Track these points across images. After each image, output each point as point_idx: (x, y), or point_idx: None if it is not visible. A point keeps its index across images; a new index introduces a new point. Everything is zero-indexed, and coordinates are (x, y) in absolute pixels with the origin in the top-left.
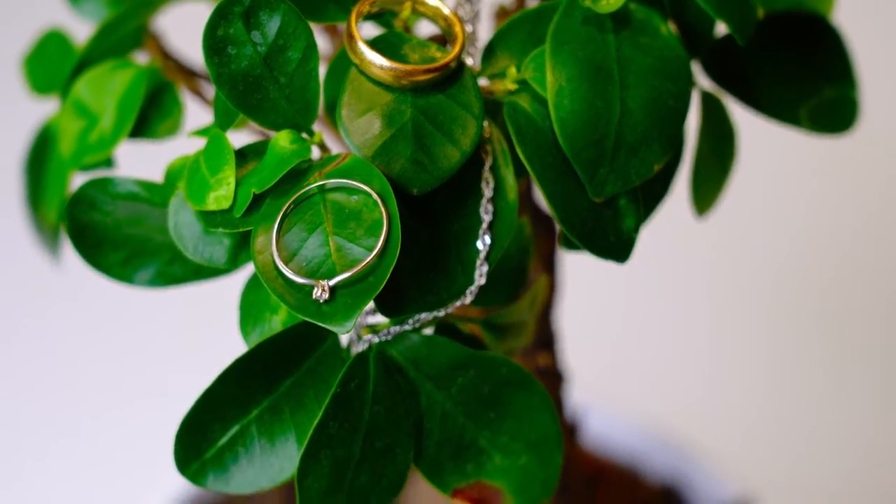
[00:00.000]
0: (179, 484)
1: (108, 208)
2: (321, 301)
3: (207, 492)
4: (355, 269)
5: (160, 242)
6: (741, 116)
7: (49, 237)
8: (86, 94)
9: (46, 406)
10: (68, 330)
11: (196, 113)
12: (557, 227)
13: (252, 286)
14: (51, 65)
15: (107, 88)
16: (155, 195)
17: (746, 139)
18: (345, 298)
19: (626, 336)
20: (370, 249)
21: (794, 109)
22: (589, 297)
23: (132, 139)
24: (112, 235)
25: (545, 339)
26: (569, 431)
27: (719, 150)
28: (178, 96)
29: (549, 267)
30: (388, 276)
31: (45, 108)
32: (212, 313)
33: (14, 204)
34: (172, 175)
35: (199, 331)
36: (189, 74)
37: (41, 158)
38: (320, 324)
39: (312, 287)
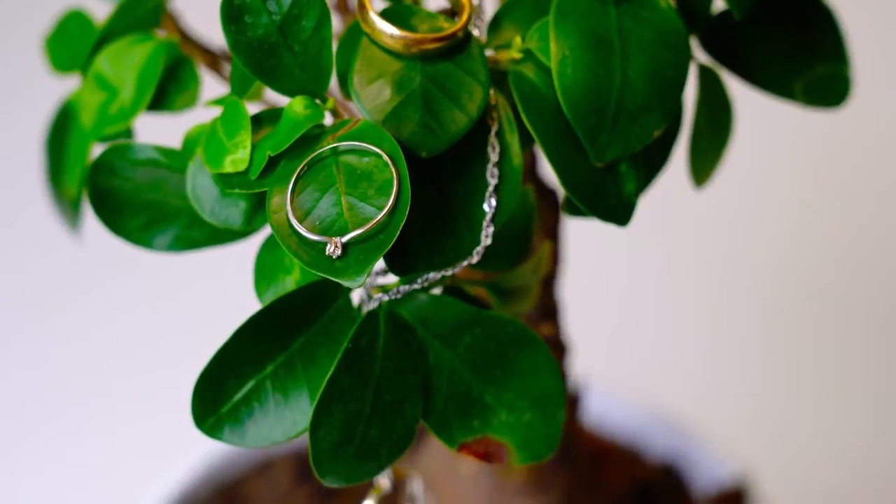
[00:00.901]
0: (175, 484)
1: (128, 174)
2: (334, 257)
3: (202, 490)
4: (367, 227)
5: (179, 207)
6: (743, 106)
7: (69, 210)
8: (106, 67)
9: (42, 406)
10: (67, 330)
11: (212, 88)
12: (560, 198)
13: (266, 248)
14: (72, 44)
15: (127, 62)
16: (174, 161)
17: (750, 124)
18: (357, 254)
19: (626, 317)
20: (381, 208)
21: (789, 84)
22: (589, 278)
23: (151, 111)
24: (132, 200)
25: (548, 309)
26: (571, 403)
27: (716, 122)
28: (195, 70)
29: (553, 239)
30: (398, 233)
31: (63, 89)
32: (211, 316)
33: (14, 204)
34: (190, 142)
35: (196, 333)
36: (205, 51)
37: (62, 133)
38: (333, 278)
39: (325, 244)
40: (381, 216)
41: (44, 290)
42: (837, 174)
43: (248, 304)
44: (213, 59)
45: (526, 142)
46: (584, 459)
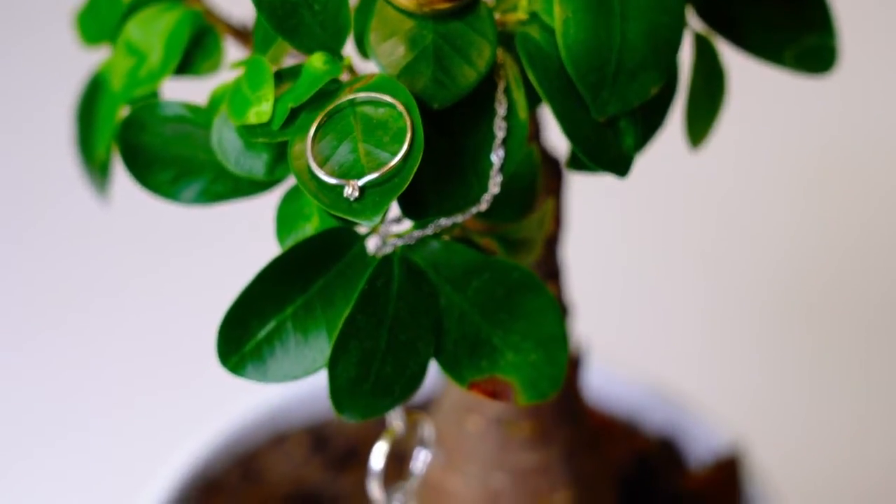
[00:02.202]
0: (193, 456)
1: (157, 130)
2: (352, 199)
3: (219, 462)
4: (382, 170)
5: (205, 161)
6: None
7: (98, 175)
8: (136, 34)
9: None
10: (79, 323)
11: (234, 57)
12: (563, 163)
13: (287, 199)
14: (101, 17)
15: (155, 28)
16: (200, 117)
17: (755, 109)
18: (373, 196)
19: (625, 296)
20: (396, 154)
21: (779, 52)
22: (589, 257)
23: (177, 76)
24: (161, 155)
25: (551, 270)
26: (573, 365)
27: (710, 88)
28: (219, 38)
29: (556, 205)
30: (412, 176)
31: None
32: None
33: (15, 204)
34: (216, 99)
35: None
36: (226, 25)
37: (92, 100)
38: (351, 218)
39: (343, 187)
40: (395, 161)
41: (54, 289)
42: (840, 157)
43: None
44: (233, 32)
45: (532, 100)
46: (586, 418)
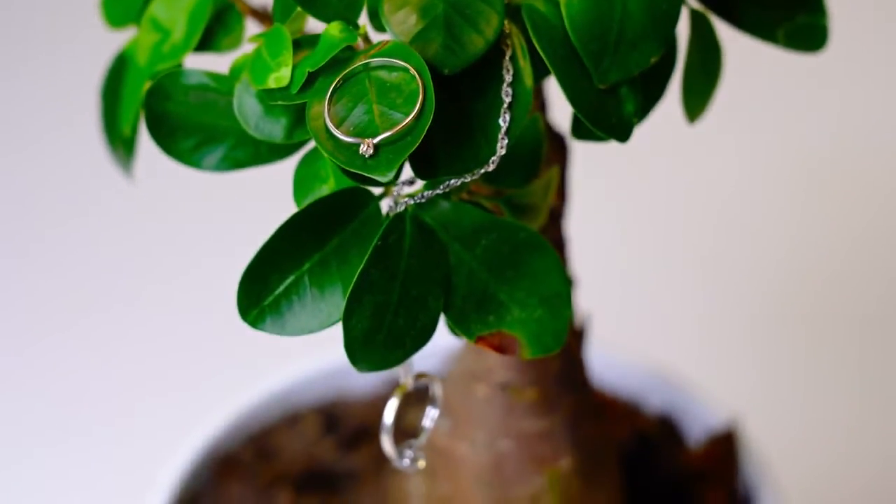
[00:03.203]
0: (209, 435)
1: (180, 98)
2: (366, 156)
3: (234, 440)
4: (395, 129)
5: (226, 128)
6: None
7: (123, 153)
8: (160, 11)
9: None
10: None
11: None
12: (567, 140)
13: (304, 163)
14: (125, 1)
15: (178, 6)
16: (222, 85)
17: (761, 95)
18: (387, 154)
19: (625, 280)
20: (408, 114)
21: (772, 30)
22: (589, 247)
23: (198, 52)
24: (184, 123)
25: (556, 242)
26: (576, 335)
27: (706, 63)
28: (240, 15)
29: (561, 180)
30: (424, 134)
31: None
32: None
33: (16, 203)
34: (237, 69)
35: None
36: (246, 5)
37: (118, 77)
38: (366, 174)
39: (359, 145)
40: (408, 120)
41: (64, 279)
42: (840, 156)
43: None
44: (253, 12)
45: (537, 71)
46: (588, 387)
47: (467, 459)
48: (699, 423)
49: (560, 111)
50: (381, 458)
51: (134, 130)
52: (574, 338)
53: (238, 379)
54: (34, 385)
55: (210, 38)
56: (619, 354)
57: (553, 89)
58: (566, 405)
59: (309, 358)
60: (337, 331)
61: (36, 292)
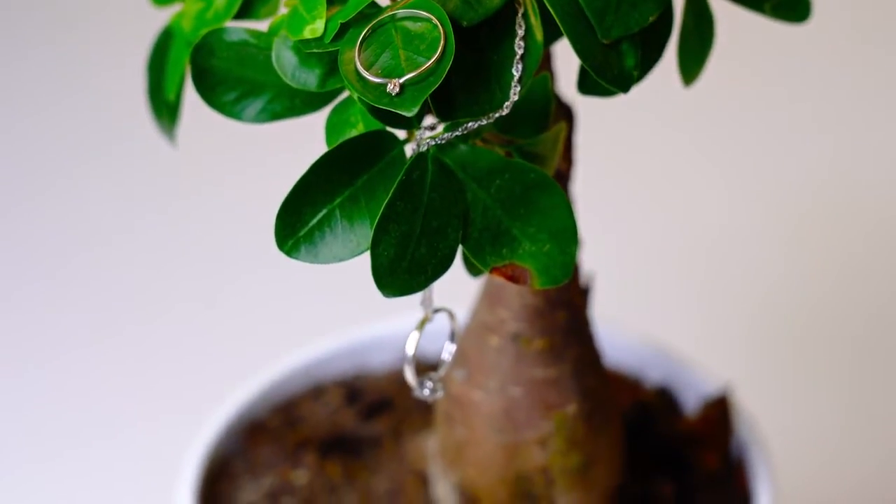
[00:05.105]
0: (238, 404)
1: (223, 54)
2: (393, 94)
3: (261, 409)
4: (419, 70)
5: (265, 82)
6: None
7: (167, 119)
8: None
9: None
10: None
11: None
12: (574, 112)
13: (336, 111)
14: None
15: None
16: (262, 41)
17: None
18: (411, 92)
19: (625, 258)
20: (430, 58)
21: (760, 2)
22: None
23: (238, 19)
24: (226, 77)
25: None
26: (582, 292)
27: (699, 29)
28: None
29: (568, 145)
30: (445, 75)
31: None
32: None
33: (16, 203)
34: (275, 27)
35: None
36: None
37: (164, 49)
38: (393, 109)
39: (386, 84)
40: (430, 63)
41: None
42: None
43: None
44: None
45: (548, 33)
46: (592, 341)
47: (481, 405)
48: (696, 395)
49: (566, 87)
50: (400, 427)
51: (178, 96)
52: (580, 294)
53: (265, 359)
54: (73, 362)
55: (249, 7)
56: (621, 333)
57: (561, 63)
58: (572, 355)
59: (331, 336)
60: (357, 312)
61: (63, 273)
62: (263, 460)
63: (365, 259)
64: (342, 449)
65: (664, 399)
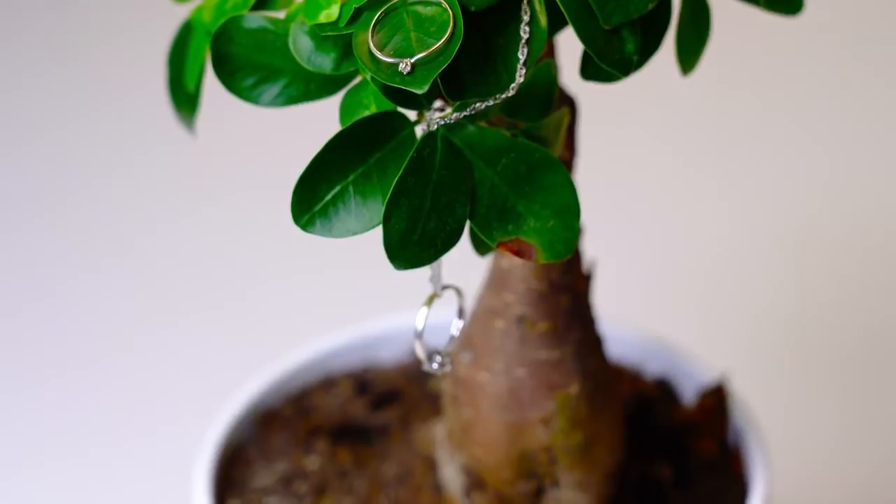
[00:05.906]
0: (252, 393)
1: (242, 40)
2: (405, 73)
3: (274, 398)
4: (429, 50)
5: (282, 67)
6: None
7: (187, 110)
8: None
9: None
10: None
11: None
12: (577, 102)
13: (350, 93)
14: None
15: None
16: (279, 27)
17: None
18: (422, 71)
19: (626, 254)
20: (440, 39)
21: None
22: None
23: (256, 10)
24: (245, 62)
25: None
26: (584, 278)
27: (696, 20)
28: None
29: (570, 134)
30: (454, 55)
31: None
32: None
33: (17, 204)
34: (291, 14)
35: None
36: None
37: (184, 42)
38: (405, 87)
39: (398, 64)
40: (440, 43)
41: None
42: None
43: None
44: None
45: (552, 23)
46: (594, 325)
47: (487, 387)
48: (695, 386)
49: (569, 78)
50: (408, 416)
51: (198, 86)
52: (582, 280)
53: (279, 351)
54: (94, 356)
55: None
56: (622, 327)
57: (564, 56)
58: (575, 338)
59: (342, 331)
60: (367, 308)
61: (75, 269)
62: (277, 447)
63: (376, 255)
64: (352, 436)
65: (663, 390)
